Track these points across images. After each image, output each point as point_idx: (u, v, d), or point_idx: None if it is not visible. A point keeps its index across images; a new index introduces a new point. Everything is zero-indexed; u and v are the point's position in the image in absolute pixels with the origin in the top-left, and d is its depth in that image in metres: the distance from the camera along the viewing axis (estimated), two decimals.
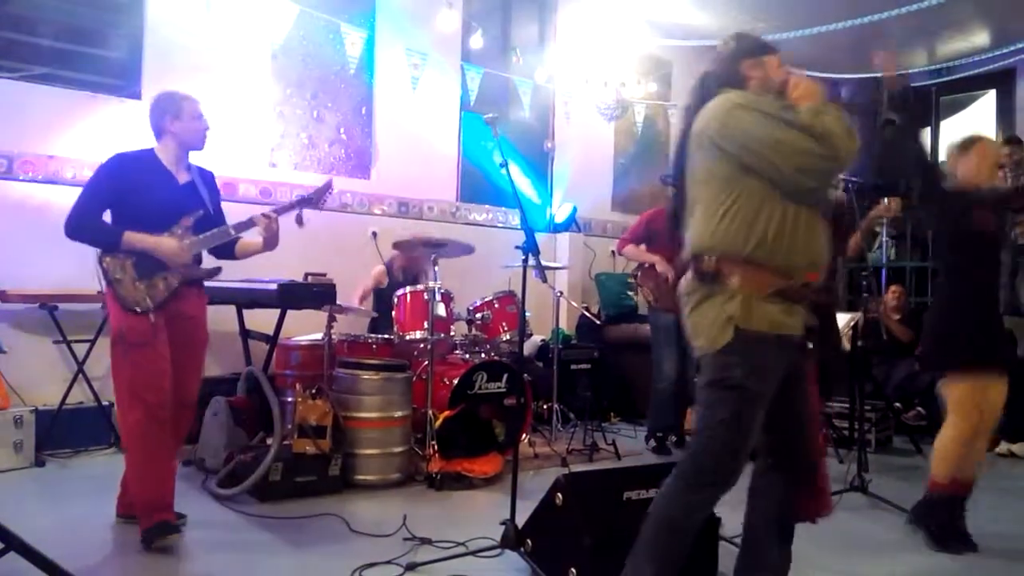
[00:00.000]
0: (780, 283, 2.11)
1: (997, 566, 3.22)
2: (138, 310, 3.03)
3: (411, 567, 2.87)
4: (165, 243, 3.13)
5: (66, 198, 4.61)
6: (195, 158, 3.33)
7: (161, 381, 3.04)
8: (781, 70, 2.25)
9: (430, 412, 4.31)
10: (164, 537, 2.95)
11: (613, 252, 7.26)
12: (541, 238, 6.66)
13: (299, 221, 3.32)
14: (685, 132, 2.26)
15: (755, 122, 2.08)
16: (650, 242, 5.23)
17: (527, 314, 3.70)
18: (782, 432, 2.26)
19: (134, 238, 3.08)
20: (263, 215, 3.26)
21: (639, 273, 5.36)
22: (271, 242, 3.33)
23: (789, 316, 2.13)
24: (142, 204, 3.11)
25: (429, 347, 4.42)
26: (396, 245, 5.03)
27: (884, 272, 7.84)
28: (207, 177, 3.39)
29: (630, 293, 6.72)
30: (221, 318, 4.51)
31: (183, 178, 3.25)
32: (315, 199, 3.42)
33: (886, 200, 4.62)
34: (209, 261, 3.33)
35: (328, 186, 3.47)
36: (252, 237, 3.36)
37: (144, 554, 2.76)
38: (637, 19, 7.57)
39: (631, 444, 5.30)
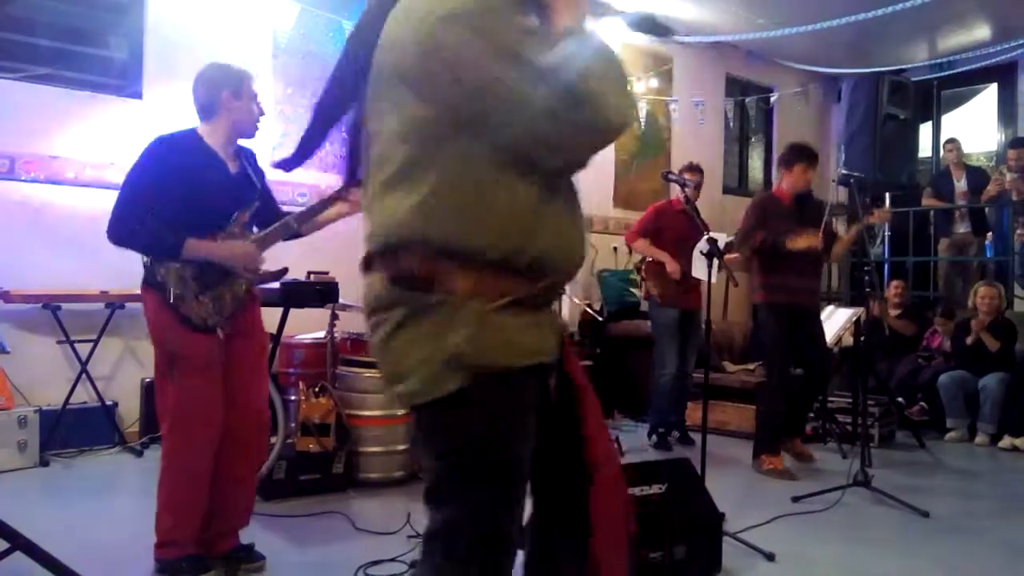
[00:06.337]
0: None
1: (1000, 561, 3.22)
2: (209, 323, 2.65)
3: (415, 564, 2.87)
4: (238, 250, 2.71)
5: (68, 198, 4.68)
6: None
7: (215, 412, 2.70)
8: None
9: None
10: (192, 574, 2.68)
11: (615, 249, 7.26)
12: None
13: None
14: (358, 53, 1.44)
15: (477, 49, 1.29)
16: (657, 235, 5.25)
17: None
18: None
19: (199, 247, 2.62)
20: (337, 194, 2.87)
21: (644, 265, 5.38)
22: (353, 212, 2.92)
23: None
24: (194, 198, 2.65)
25: None
26: None
27: (887, 267, 7.84)
28: (251, 158, 2.91)
29: (632, 290, 6.72)
30: None
31: (233, 166, 2.79)
32: None
33: (875, 211, 4.67)
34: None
35: None
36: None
37: (149, 552, 2.76)
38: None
39: (634, 440, 5.30)
